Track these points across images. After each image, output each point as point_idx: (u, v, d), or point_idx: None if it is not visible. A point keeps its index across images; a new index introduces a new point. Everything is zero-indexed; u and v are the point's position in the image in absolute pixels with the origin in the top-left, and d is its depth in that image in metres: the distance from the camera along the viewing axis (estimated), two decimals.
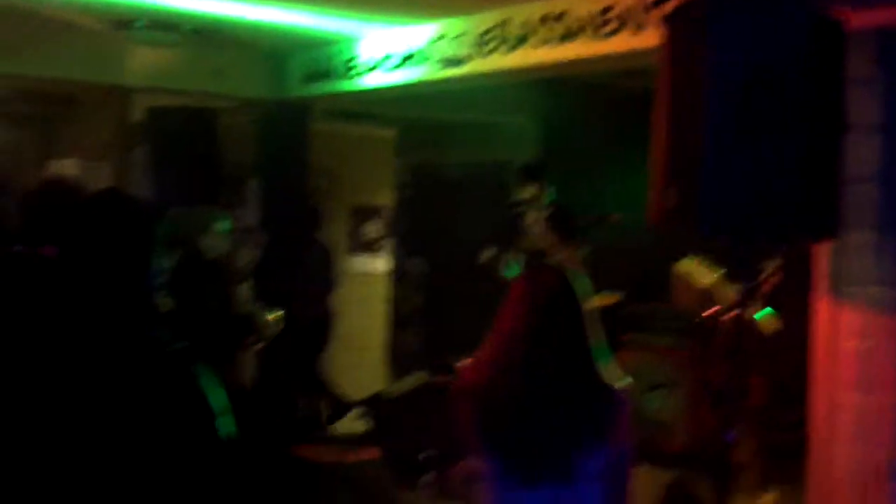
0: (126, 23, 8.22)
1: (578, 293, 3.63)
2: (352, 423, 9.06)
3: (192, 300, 7.69)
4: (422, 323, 12.44)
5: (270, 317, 7.81)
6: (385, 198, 12.46)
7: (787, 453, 6.30)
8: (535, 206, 8.14)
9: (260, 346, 7.94)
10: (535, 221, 8.15)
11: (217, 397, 2.80)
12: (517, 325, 3.57)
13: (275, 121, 10.15)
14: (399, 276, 12.29)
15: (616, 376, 3.60)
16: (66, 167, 11.55)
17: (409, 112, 10.87)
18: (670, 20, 4.59)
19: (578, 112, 9.78)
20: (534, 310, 3.57)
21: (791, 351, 6.23)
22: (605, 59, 6.51)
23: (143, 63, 9.27)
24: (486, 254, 8.26)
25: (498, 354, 3.59)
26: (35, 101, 12.21)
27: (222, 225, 7.97)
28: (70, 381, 2.73)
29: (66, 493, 2.68)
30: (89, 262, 2.85)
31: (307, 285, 10.00)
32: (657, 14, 5.76)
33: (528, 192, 8.15)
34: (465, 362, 3.79)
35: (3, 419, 2.71)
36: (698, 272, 7.35)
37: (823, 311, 4.76)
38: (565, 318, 3.57)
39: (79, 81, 9.75)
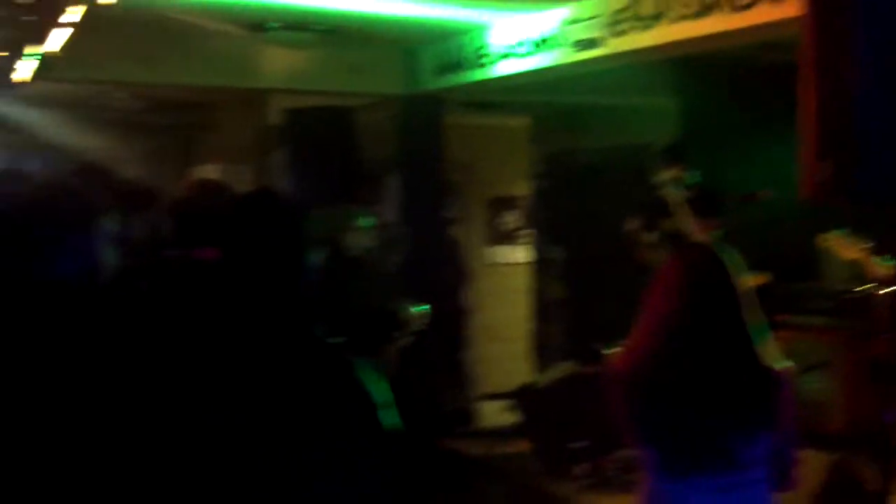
0: (260, 25, 8.30)
1: (731, 270, 3.52)
2: (500, 416, 9.04)
3: (339, 297, 7.73)
4: (565, 312, 12.33)
5: (416, 311, 7.82)
6: (522, 187, 12.40)
7: None
8: (676, 188, 8.00)
9: (406, 341, 7.96)
10: (676, 203, 8.01)
11: (379, 390, 2.82)
12: (669, 307, 3.46)
13: (410, 116, 10.17)
14: (540, 265, 12.21)
15: (775, 357, 3.47)
16: (207, 173, 11.73)
17: (543, 99, 10.78)
18: None
19: (717, 89, 9.58)
20: (686, 290, 3.45)
21: None
22: (744, 32, 6.34)
23: (278, 65, 9.35)
24: (631, 223, 8.14)
25: (651, 338, 3.48)
26: (172, 110, 12.46)
27: (364, 222, 8.03)
28: (236, 379, 2.76)
29: (242, 486, 2.70)
30: (248, 261, 2.88)
31: (440, 279, 10.02)
32: None
33: (668, 174, 8.01)
34: (616, 349, 3.69)
35: (177, 419, 2.74)
36: (844, 246, 7.13)
37: None
38: (719, 297, 3.45)
39: (216, 87, 9.88)
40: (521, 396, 8.62)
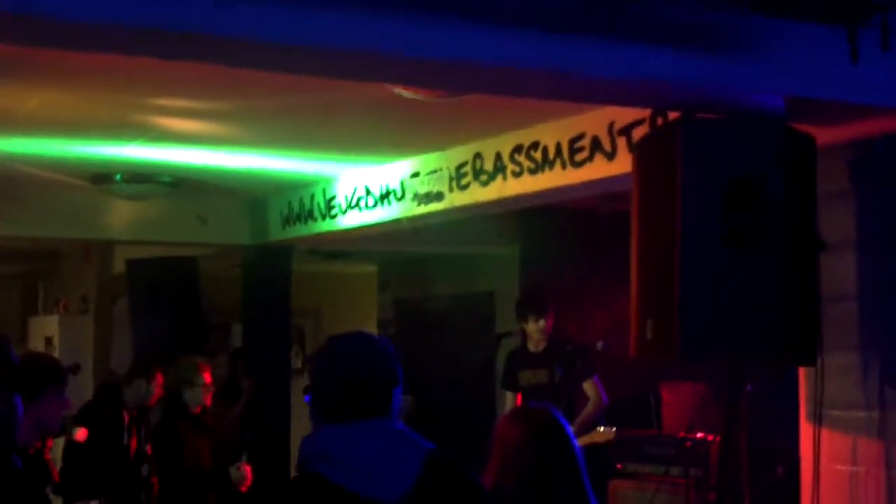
0: (104, 177, 8.23)
1: (567, 435, 3.49)
2: None
3: (175, 454, 7.63)
4: None
5: (242, 468, 7.76)
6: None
7: None
8: (533, 338, 8.16)
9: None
10: (528, 354, 8.17)
11: None
12: (501, 474, 3.39)
13: (256, 265, 10.13)
14: None
15: None
16: (48, 323, 11.54)
17: (390, 247, 10.87)
18: (640, 148, 4.59)
19: (560, 237, 9.77)
20: (517, 458, 3.38)
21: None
22: (580, 186, 6.49)
23: (123, 216, 9.26)
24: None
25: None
26: (16, 259, 12.24)
27: (203, 377, 7.93)
28: None
29: None
30: None
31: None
32: (627, 140, 5.80)
33: (530, 324, 8.13)
34: None
35: None
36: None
37: (807, 434, 4.71)
38: (553, 463, 3.40)
39: (59, 239, 9.74)
40: None
